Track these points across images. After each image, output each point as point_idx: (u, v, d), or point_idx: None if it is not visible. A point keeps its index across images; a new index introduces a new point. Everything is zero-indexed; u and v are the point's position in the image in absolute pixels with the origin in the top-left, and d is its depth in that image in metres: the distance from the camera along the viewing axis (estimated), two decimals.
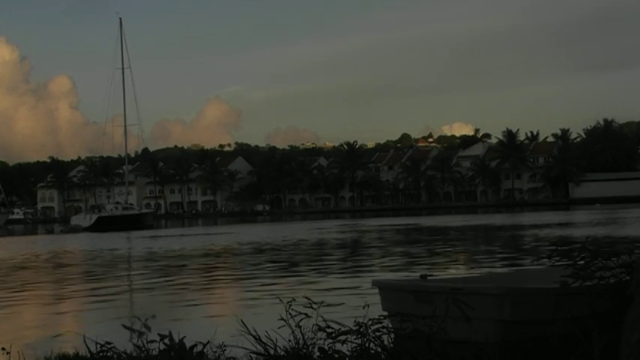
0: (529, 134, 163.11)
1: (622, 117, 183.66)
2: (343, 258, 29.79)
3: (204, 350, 6.48)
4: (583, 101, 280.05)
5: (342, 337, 6.60)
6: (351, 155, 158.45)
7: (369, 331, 6.68)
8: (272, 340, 6.75)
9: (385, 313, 7.84)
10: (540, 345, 7.08)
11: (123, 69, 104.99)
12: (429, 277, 9.62)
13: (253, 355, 6.74)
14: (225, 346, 6.88)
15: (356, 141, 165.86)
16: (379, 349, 6.65)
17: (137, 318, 6.44)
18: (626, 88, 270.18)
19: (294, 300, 7.09)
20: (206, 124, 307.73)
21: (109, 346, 6.66)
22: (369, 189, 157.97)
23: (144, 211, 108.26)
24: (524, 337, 7.34)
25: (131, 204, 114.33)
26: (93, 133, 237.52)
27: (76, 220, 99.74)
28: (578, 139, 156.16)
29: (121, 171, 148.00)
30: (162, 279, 23.62)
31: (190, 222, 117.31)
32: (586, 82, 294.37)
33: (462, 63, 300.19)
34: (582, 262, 7.41)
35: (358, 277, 21.02)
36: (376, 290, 9.10)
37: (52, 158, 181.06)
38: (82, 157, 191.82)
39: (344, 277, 21.20)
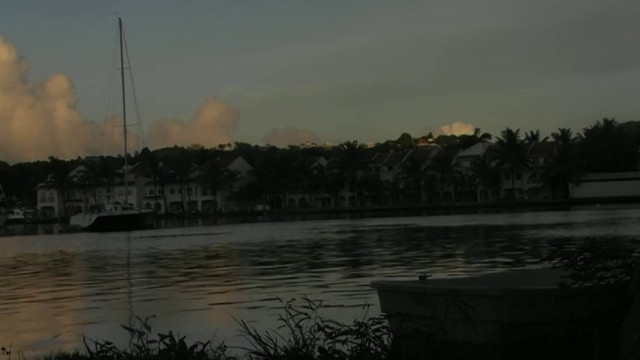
0: (529, 134, 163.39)
1: (622, 117, 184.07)
2: (343, 258, 29.77)
3: (205, 350, 6.49)
4: (583, 101, 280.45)
5: (342, 337, 6.60)
6: (351, 155, 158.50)
7: (369, 331, 6.68)
8: (272, 340, 6.74)
9: (384, 315, 7.82)
10: (540, 346, 7.07)
11: (122, 69, 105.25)
12: (428, 278, 9.61)
13: (253, 355, 6.74)
14: (225, 346, 6.89)
15: (356, 141, 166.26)
16: (379, 349, 6.65)
17: (137, 318, 6.44)
18: (626, 88, 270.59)
19: (294, 300, 7.09)
20: (204, 124, 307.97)
21: (108, 346, 6.67)
22: (369, 189, 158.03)
23: (143, 211, 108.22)
24: (524, 338, 7.33)
25: (131, 204, 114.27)
26: (91, 132, 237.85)
27: (75, 220, 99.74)
28: (578, 139, 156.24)
29: (120, 171, 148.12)
30: (161, 279, 23.61)
31: (190, 222, 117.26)
32: (586, 82, 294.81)
33: (461, 63, 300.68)
34: (582, 262, 7.41)
35: (357, 277, 21.01)
36: (375, 291, 9.09)
37: (52, 158, 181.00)
38: (81, 157, 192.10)
39: (343, 278, 21.19)
